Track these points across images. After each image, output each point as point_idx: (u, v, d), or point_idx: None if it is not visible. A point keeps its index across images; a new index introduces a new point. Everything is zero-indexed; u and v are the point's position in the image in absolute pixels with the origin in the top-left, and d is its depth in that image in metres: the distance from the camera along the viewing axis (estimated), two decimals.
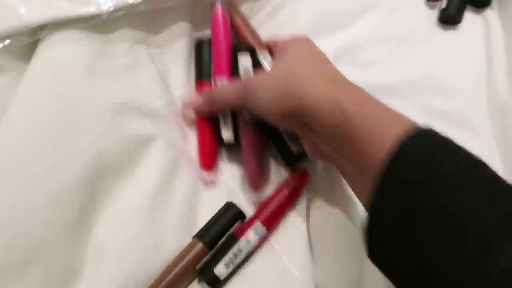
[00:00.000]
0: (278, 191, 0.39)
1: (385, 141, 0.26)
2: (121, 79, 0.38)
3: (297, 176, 0.40)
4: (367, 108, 0.29)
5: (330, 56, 0.35)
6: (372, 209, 0.26)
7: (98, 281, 0.34)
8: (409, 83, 0.44)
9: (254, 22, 0.45)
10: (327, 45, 0.38)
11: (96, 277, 0.34)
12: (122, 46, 0.39)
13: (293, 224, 0.39)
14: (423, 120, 0.27)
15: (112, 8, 0.37)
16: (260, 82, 0.34)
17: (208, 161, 0.40)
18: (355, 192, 0.32)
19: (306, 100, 0.30)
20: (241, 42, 0.43)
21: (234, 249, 0.36)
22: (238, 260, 0.36)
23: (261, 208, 0.38)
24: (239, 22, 0.43)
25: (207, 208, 0.39)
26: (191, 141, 0.42)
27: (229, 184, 0.41)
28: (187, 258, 0.35)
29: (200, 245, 0.36)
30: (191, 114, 0.42)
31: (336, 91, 0.30)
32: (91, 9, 0.36)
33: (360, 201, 0.31)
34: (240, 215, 0.38)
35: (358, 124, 0.28)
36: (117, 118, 0.37)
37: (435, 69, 0.45)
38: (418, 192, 0.24)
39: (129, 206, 0.36)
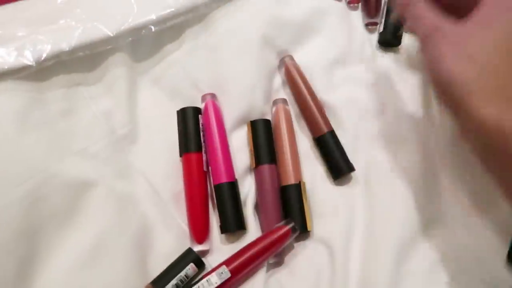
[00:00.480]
0: (254, 242, 0.36)
1: None
2: (56, 125, 0.37)
3: (278, 230, 0.36)
4: None
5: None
6: None
7: None
8: (351, 104, 0.45)
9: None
10: None
11: None
12: (57, 92, 0.39)
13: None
14: None
15: (43, 58, 0.36)
16: (448, 37, 0.29)
17: (200, 234, 0.38)
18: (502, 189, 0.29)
19: (469, 112, 0.27)
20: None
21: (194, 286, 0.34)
22: None
23: (232, 255, 0.36)
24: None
25: (160, 249, 0.37)
26: (137, 180, 0.40)
27: (182, 226, 0.39)
28: None
29: None
30: None
31: (503, 111, 0.26)
32: (21, 60, 0.36)
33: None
34: (200, 263, 0.36)
35: None
36: (53, 166, 0.36)
37: (375, 90, 0.46)
38: None
39: (71, 257, 0.35)
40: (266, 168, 0.39)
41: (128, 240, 0.36)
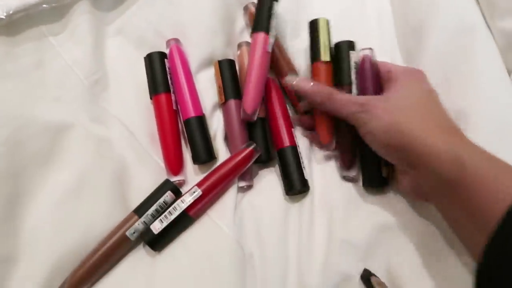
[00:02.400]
0: (222, 164, 0.40)
1: (505, 198, 0.27)
2: (29, 76, 0.40)
3: (242, 152, 0.40)
4: (486, 164, 0.30)
5: None
6: (484, 258, 0.26)
7: (33, 266, 0.35)
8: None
9: None
10: None
11: (31, 261, 0.35)
12: (28, 45, 0.41)
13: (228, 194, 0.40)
14: None
15: (11, 11, 0.39)
16: (377, 107, 0.35)
17: (175, 166, 0.41)
18: (460, 237, 0.33)
19: (419, 146, 0.31)
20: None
21: (170, 208, 0.37)
22: (173, 217, 0.37)
23: (203, 178, 0.39)
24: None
25: (139, 183, 0.40)
26: (113, 124, 0.43)
27: (158, 163, 0.42)
28: (123, 229, 0.36)
29: (136, 217, 0.37)
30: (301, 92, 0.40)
31: (456, 143, 0.31)
32: None
33: (466, 245, 0.32)
34: (177, 190, 0.39)
35: (478, 180, 0.29)
36: (29, 112, 0.38)
37: None
38: None
39: (56, 192, 0.38)
40: (233, 102, 0.43)
41: (108, 178, 0.40)
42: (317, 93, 0.38)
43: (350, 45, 0.42)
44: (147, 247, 0.38)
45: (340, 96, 0.37)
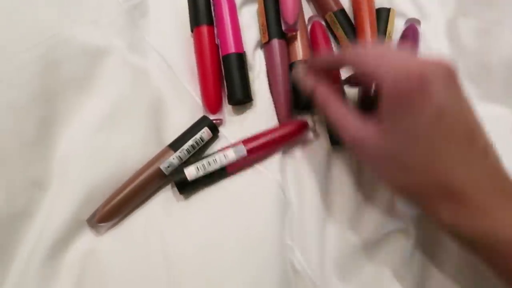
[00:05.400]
0: (274, 129, 0.38)
1: None
2: None
3: (297, 123, 0.38)
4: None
5: None
6: None
7: (64, 193, 0.34)
8: None
9: None
10: None
11: (62, 189, 0.35)
12: None
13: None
14: None
15: None
16: (366, 152, 0.29)
17: (214, 104, 0.39)
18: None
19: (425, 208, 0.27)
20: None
21: (210, 158, 0.35)
22: (211, 169, 0.35)
23: (252, 136, 0.37)
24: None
25: (175, 119, 0.39)
26: (150, 54, 0.41)
27: (196, 99, 0.40)
28: (158, 162, 0.35)
29: (171, 152, 0.35)
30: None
31: (492, 221, 0.25)
32: None
33: None
34: (214, 128, 0.37)
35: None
36: (65, 31, 0.37)
37: None
38: None
39: (91, 119, 0.37)
40: (277, 42, 0.40)
41: (144, 109, 0.38)
42: (316, 95, 0.33)
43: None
44: None
45: (336, 112, 0.31)
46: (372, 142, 0.28)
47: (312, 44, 0.41)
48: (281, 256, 0.34)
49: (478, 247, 0.26)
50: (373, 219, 0.37)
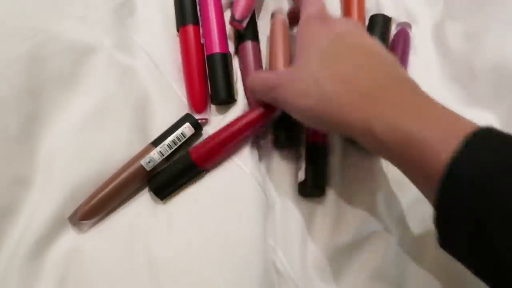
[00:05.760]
0: (242, 116, 0.37)
1: (445, 148, 0.24)
2: None
3: (261, 108, 0.37)
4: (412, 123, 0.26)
5: None
6: (440, 200, 0.24)
7: (48, 190, 0.35)
8: None
9: None
10: None
11: (46, 186, 0.35)
12: None
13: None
14: None
15: None
16: (287, 79, 0.31)
17: (199, 103, 0.39)
18: (417, 186, 0.28)
19: (335, 118, 0.28)
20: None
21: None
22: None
23: (223, 127, 0.37)
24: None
25: (161, 118, 0.39)
26: (137, 52, 0.40)
27: (182, 98, 0.40)
28: (140, 160, 0.35)
29: (153, 149, 0.35)
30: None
31: (369, 112, 0.27)
32: None
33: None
34: (197, 125, 0.37)
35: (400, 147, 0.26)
36: (54, 27, 0.37)
37: None
38: (490, 187, 0.22)
39: (76, 117, 0.37)
40: (250, 44, 0.40)
41: (130, 107, 0.38)
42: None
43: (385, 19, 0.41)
44: None
45: (257, 74, 0.35)
46: (289, 77, 0.32)
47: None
48: (264, 257, 0.34)
49: (389, 141, 0.26)
50: (355, 221, 0.37)
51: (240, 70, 0.41)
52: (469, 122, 0.25)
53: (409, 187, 0.29)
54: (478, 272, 0.25)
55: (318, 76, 0.29)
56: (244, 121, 0.37)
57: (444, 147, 0.24)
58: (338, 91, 0.28)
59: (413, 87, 0.28)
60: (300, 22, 0.34)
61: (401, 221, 0.37)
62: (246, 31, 0.40)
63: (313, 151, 0.38)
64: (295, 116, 0.32)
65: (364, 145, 0.29)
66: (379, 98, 0.27)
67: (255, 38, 0.41)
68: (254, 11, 0.42)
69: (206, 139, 0.37)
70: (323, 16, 0.33)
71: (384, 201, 0.38)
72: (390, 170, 0.38)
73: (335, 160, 0.39)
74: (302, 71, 0.31)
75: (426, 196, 0.27)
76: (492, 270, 0.23)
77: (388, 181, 0.38)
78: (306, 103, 0.30)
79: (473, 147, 0.23)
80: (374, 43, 0.31)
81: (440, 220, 0.25)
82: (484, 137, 0.24)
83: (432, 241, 0.33)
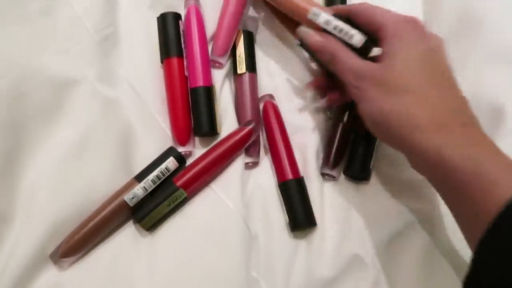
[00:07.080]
0: (221, 142, 0.38)
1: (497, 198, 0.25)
2: (36, 24, 0.38)
3: (242, 130, 0.38)
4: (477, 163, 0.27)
5: None
6: (488, 233, 0.25)
7: (28, 227, 0.34)
8: None
9: None
10: None
11: (26, 222, 0.34)
12: None
13: (232, 168, 0.39)
14: None
15: None
16: (370, 87, 0.31)
17: (182, 136, 0.39)
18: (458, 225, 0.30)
19: (406, 135, 0.30)
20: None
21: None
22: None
23: (201, 155, 0.38)
24: None
25: (144, 150, 0.39)
26: (121, 84, 0.40)
27: (165, 130, 0.40)
28: (122, 195, 0.35)
29: (136, 183, 0.35)
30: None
31: (442, 138, 0.28)
32: None
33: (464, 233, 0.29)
34: (181, 159, 0.37)
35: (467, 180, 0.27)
36: (34, 62, 0.37)
37: None
38: None
39: (58, 150, 0.36)
40: (248, 75, 0.41)
41: (113, 140, 0.38)
42: (322, 49, 0.35)
43: None
44: None
45: (344, 57, 0.33)
46: (373, 73, 0.32)
47: (264, 123, 0.41)
48: None
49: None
50: (338, 255, 0.37)
51: (237, 99, 0.41)
52: None
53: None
54: None
55: (410, 88, 0.30)
56: (227, 144, 0.38)
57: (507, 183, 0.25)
58: (422, 111, 0.29)
59: (480, 127, 0.30)
60: (389, 20, 0.33)
61: (383, 253, 0.38)
62: (249, 62, 0.41)
63: (287, 189, 0.38)
64: (365, 111, 0.32)
65: (419, 167, 0.31)
66: (455, 127, 0.29)
67: (253, 69, 0.41)
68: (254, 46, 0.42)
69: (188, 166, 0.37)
70: (410, 19, 0.33)
71: (366, 235, 0.38)
72: (378, 201, 0.40)
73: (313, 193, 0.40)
74: (396, 74, 0.31)
75: (467, 231, 0.28)
76: None
77: (367, 214, 0.39)
78: (387, 107, 0.30)
79: None
80: (451, 67, 0.32)
81: (482, 254, 0.25)
82: None
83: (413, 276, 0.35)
